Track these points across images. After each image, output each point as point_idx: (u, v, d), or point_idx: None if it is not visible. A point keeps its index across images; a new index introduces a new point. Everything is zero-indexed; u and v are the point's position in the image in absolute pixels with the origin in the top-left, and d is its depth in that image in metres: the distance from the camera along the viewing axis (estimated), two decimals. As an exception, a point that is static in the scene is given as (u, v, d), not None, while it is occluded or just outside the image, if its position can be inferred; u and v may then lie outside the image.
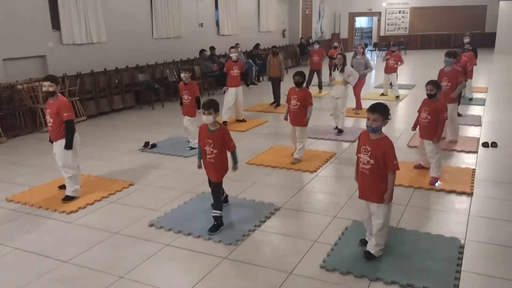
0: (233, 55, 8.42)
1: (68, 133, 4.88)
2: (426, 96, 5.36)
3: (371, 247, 3.70)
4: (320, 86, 12.01)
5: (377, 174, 3.52)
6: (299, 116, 6.07)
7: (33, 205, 4.97)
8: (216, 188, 4.32)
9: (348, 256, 3.76)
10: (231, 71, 8.35)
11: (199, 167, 4.45)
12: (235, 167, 4.37)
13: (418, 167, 5.80)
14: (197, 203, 4.90)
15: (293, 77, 6.13)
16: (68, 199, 5.05)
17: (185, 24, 12.83)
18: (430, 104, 5.27)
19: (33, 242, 4.15)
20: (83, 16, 9.74)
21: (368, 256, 3.68)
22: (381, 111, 3.46)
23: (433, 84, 5.23)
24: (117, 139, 7.85)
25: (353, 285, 3.38)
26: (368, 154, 3.52)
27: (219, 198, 4.34)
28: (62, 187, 5.28)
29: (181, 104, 6.91)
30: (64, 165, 5.00)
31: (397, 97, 10.74)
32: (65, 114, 4.85)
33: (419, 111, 5.47)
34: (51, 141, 5.14)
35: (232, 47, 8.74)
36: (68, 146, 4.89)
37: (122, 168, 6.19)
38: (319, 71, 11.88)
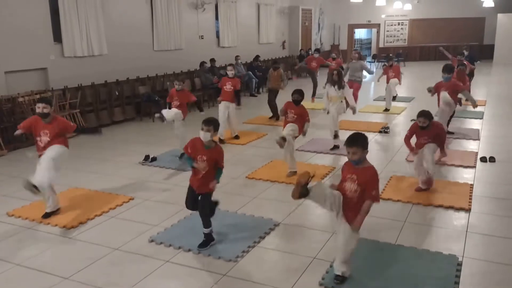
0: (230, 73, 8.41)
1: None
2: (421, 109, 5.45)
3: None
4: (314, 92, 12.17)
5: (362, 201, 3.48)
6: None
7: (34, 220, 4.99)
8: (205, 202, 4.23)
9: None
10: (224, 86, 8.39)
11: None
12: (213, 183, 4.20)
13: (419, 190, 5.57)
14: (197, 219, 4.85)
15: (292, 95, 6.21)
16: (49, 215, 5.02)
17: (186, 36, 12.95)
18: (428, 133, 5.37)
19: (34, 257, 4.18)
20: (84, 29, 9.84)
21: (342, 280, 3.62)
22: (359, 143, 3.44)
23: (425, 116, 5.30)
24: (117, 152, 7.89)
25: (351, 303, 3.41)
26: (356, 182, 3.47)
27: (207, 215, 4.28)
28: (46, 215, 5.06)
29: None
30: (49, 164, 4.74)
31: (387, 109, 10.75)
32: (71, 125, 5.16)
33: (410, 134, 5.57)
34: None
35: (230, 64, 8.70)
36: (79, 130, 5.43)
37: (122, 182, 6.23)
38: (314, 73, 12.23)
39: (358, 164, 3.49)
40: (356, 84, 9.28)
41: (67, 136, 5.09)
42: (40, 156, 4.94)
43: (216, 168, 4.22)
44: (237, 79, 8.60)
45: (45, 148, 4.93)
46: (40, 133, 4.94)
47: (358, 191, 3.47)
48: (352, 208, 3.50)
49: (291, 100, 6.28)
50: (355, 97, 9.45)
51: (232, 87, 8.33)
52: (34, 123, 5.00)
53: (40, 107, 4.90)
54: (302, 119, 6.14)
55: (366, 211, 3.45)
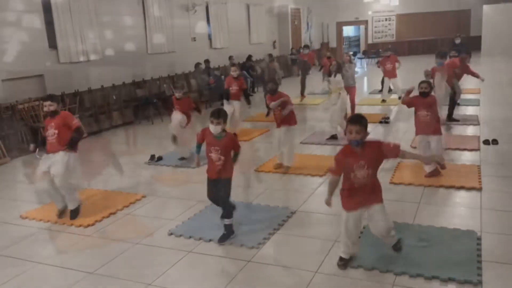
0: (234, 73, 8.42)
1: (77, 135, 4.96)
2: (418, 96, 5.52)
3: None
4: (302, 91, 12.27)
5: (375, 178, 3.54)
6: (284, 119, 6.11)
7: (48, 220, 4.96)
8: (226, 187, 4.26)
9: (370, 252, 3.83)
10: (230, 88, 8.44)
11: (198, 164, 4.71)
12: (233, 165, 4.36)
13: (429, 176, 5.52)
14: (213, 212, 4.89)
15: (266, 86, 6.23)
16: (75, 212, 4.98)
17: (179, 38, 12.95)
18: (424, 102, 5.44)
19: (55, 256, 4.16)
20: (79, 34, 9.80)
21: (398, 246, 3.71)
22: (363, 123, 3.36)
23: (428, 83, 5.52)
24: (121, 154, 7.86)
25: (379, 280, 3.45)
26: (365, 167, 3.38)
27: (229, 205, 4.33)
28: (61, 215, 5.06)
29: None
30: (63, 174, 4.83)
31: (400, 98, 10.80)
32: (74, 122, 4.98)
33: (416, 110, 5.63)
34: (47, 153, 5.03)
35: (233, 65, 8.78)
36: (72, 147, 4.92)
37: (132, 182, 6.21)
38: (306, 65, 12.26)
39: (358, 145, 3.37)
40: (353, 89, 9.23)
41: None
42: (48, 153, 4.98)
43: (231, 155, 4.29)
44: (242, 79, 8.66)
45: (52, 143, 4.91)
46: (48, 127, 4.99)
47: (369, 173, 3.42)
48: (367, 191, 3.50)
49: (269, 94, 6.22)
50: (353, 103, 9.40)
51: (237, 88, 8.41)
52: (46, 123, 5.03)
53: (46, 105, 4.93)
54: (285, 107, 6.04)
55: (413, 154, 3.52)
